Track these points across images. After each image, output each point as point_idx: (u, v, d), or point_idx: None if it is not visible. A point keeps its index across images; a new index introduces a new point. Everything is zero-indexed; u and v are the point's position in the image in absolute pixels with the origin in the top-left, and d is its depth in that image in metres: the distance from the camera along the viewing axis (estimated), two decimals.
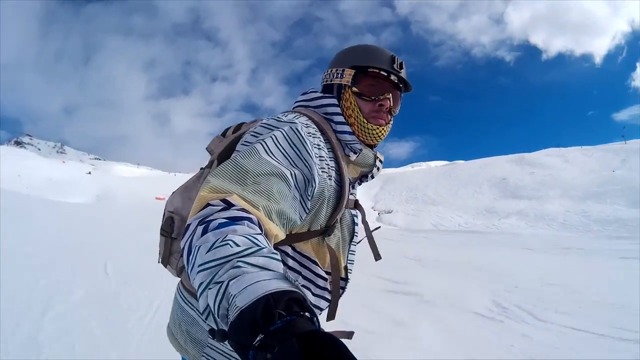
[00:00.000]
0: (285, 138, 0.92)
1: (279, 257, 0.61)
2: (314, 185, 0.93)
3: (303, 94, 1.22)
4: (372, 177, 1.25)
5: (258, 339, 0.45)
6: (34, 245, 6.98)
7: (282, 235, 0.82)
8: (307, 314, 0.49)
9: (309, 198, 0.93)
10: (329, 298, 1.09)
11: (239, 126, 1.21)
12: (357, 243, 1.25)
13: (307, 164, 0.91)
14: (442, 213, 32.44)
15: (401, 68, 1.18)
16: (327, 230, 1.07)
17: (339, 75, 1.17)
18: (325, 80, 1.22)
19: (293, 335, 0.43)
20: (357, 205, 1.21)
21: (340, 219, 1.10)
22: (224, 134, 1.22)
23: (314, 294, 1.05)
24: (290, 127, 0.94)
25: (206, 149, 1.22)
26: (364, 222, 1.24)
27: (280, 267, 0.58)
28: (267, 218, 0.76)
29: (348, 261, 1.17)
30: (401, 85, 1.20)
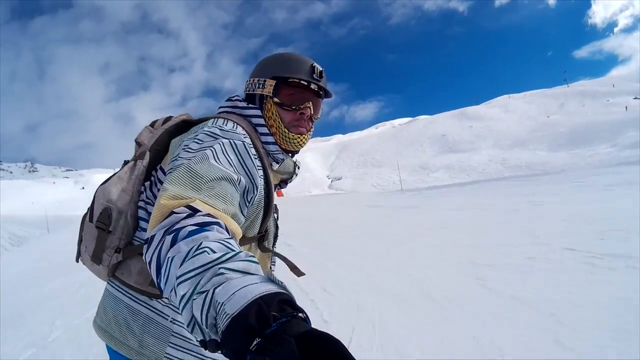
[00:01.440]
0: (232, 147, 0.95)
1: (256, 260, 0.61)
2: (254, 193, 0.97)
3: (228, 99, 1.23)
4: (290, 182, 1.29)
5: (255, 343, 0.44)
6: None
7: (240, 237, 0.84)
8: (300, 314, 0.49)
9: (247, 205, 0.96)
10: None
11: (167, 119, 1.21)
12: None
13: (249, 173, 0.95)
14: (384, 174, 33.56)
15: (321, 77, 1.20)
16: (263, 237, 1.12)
17: (261, 86, 1.18)
18: (247, 89, 1.23)
19: (291, 336, 0.43)
20: (276, 208, 1.24)
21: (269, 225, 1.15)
22: (152, 125, 1.22)
23: None
24: (237, 138, 0.97)
25: (135, 140, 1.20)
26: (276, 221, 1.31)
27: (260, 270, 0.59)
28: (230, 219, 0.77)
29: (271, 263, 1.23)
30: (321, 93, 1.22)
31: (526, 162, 26.16)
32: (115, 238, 1.02)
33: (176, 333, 1.02)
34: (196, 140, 0.96)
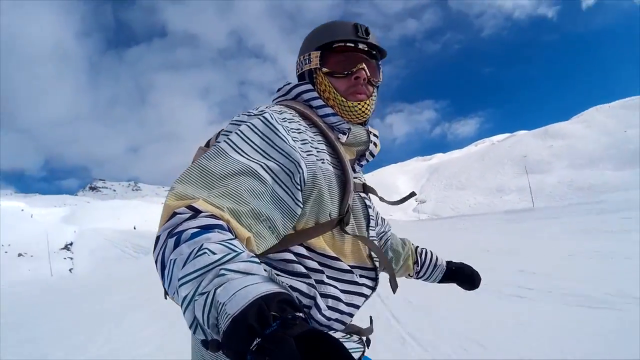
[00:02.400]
0: (253, 130, 0.85)
1: (258, 260, 0.59)
2: (300, 172, 0.84)
3: (278, 90, 1.15)
4: (372, 154, 1.13)
5: (255, 343, 0.44)
6: None
7: (268, 239, 0.79)
8: (300, 314, 0.49)
9: (298, 188, 0.84)
10: (364, 293, 0.98)
11: (218, 134, 1.07)
12: (381, 227, 1.28)
13: (283, 152, 0.84)
14: (464, 197, 37.93)
15: (367, 34, 1.08)
16: (342, 220, 0.95)
17: (307, 61, 1.10)
18: (297, 70, 1.16)
19: (291, 336, 0.42)
20: (366, 188, 1.10)
21: (351, 205, 1.00)
22: (207, 145, 1.11)
23: (343, 291, 0.93)
24: (258, 118, 0.87)
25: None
26: (383, 201, 1.20)
27: (262, 270, 0.58)
28: (236, 222, 0.72)
29: (370, 250, 1.06)
30: (374, 52, 1.10)
31: (589, 184, 28.88)
32: None
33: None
34: (224, 132, 0.92)
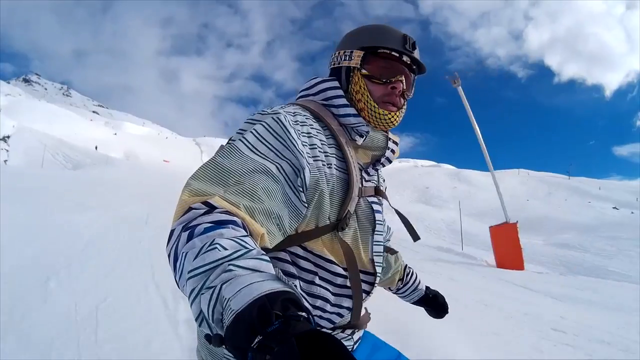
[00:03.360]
0: (268, 130, 0.87)
1: (268, 258, 0.60)
2: (304, 176, 0.86)
3: (304, 86, 1.14)
4: (389, 160, 1.12)
5: (256, 340, 0.44)
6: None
7: (277, 236, 0.81)
8: (303, 314, 0.49)
9: (302, 190, 0.86)
10: (358, 296, 0.99)
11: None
12: (385, 232, 1.25)
13: (294, 154, 0.85)
14: None
15: (414, 48, 1.08)
16: (338, 224, 0.96)
17: (347, 58, 1.08)
18: (332, 63, 1.14)
19: (292, 335, 0.42)
20: (378, 191, 1.09)
21: (356, 209, 1.01)
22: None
23: (333, 294, 0.95)
24: (272, 118, 0.88)
25: None
26: (393, 208, 1.18)
27: (271, 268, 0.58)
28: (251, 219, 0.73)
29: (374, 253, 1.05)
30: (414, 67, 1.11)
31: (463, 230, 29.47)
32: None
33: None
34: (238, 131, 0.92)
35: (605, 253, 24.32)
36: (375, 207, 1.07)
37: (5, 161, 40.88)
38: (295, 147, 0.86)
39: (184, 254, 0.61)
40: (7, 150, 45.14)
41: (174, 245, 0.66)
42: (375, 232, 1.05)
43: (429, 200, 45.18)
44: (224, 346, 0.49)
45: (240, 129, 0.92)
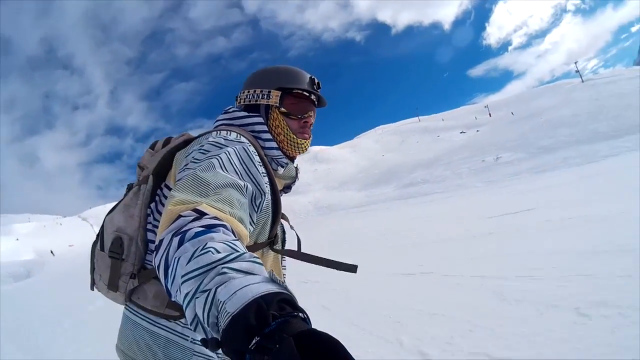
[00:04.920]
0: (237, 155, 0.96)
1: (260, 261, 0.61)
2: (262, 198, 0.99)
3: (224, 112, 1.25)
4: (292, 186, 1.33)
5: (254, 342, 0.44)
6: None
7: (248, 239, 0.85)
8: (300, 314, 0.49)
9: (256, 211, 0.97)
10: None
11: (167, 140, 1.23)
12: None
13: (254, 180, 0.97)
14: None
15: (319, 87, 1.28)
16: (272, 241, 1.14)
17: (266, 96, 1.22)
18: (247, 100, 1.25)
19: (289, 335, 0.42)
20: (283, 215, 1.23)
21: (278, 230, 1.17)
22: (152, 147, 1.24)
23: None
24: (242, 147, 1.00)
25: (138, 164, 1.22)
26: (292, 228, 1.33)
27: (264, 270, 0.58)
28: (237, 222, 0.76)
29: (282, 267, 1.29)
30: (316, 102, 1.31)
31: (329, 204, 30.43)
32: (129, 265, 1.04)
33: (198, 352, 1.04)
34: (202, 151, 0.98)
35: (439, 178, 27.55)
36: (285, 228, 1.29)
37: None
38: (259, 173, 1.00)
39: (176, 259, 0.61)
40: None
41: (165, 253, 0.65)
42: (283, 249, 1.25)
43: (296, 189, 45.49)
44: (220, 350, 0.48)
45: (204, 149, 0.99)
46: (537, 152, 22.89)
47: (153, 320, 1.06)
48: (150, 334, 1.05)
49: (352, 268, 1.13)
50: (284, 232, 1.28)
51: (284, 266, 1.32)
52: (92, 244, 1.18)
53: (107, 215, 1.14)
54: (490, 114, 48.61)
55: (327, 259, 1.12)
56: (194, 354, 1.03)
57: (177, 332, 1.04)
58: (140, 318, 1.08)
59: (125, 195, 1.15)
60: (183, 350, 1.03)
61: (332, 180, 41.14)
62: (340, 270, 1.13)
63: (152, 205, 1.11)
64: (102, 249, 1.10)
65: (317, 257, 1.12)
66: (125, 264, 1.05)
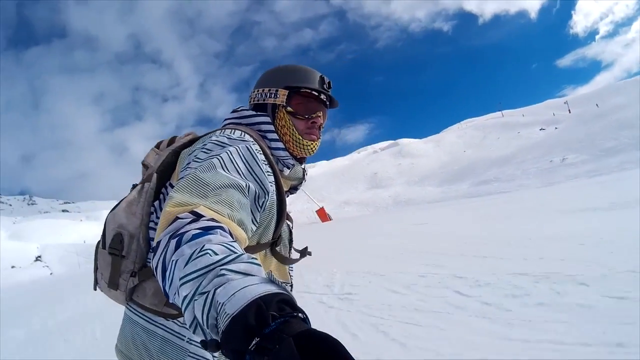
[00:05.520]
0: (240, 154, 0.96)
1: (258, 262, 0.60)
2: (265, 198, 0.97)
3: (233, 111, 1.25)
4: (299, 187, 1.34)
5: (254, 342, 0.44)
6: None
7: (247, 242, 0.84)
8: (299, 314, 0.49)
9: (259, 210, 0.96)
10: None
11: (172, 139, 1.22)
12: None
13: (257, 179, 0.96)
14: (309, 209, 39.95)
15: (329, 87, 1.26)
16: (276, 242, 1.15)
17: (273, 95, 1.21)
18: (256, 99, 1.25)
19: (289, 336, 0.42)
20: (288, 215, 1.23)
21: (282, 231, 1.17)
22: (157, 146, 1.24)
23: None
24: (245, 145, 0.99)
25: (142, 162, 1.22)
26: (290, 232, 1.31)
27: (262, 271, 0.59)
28: (235, 224, 0.77)
29: (289, 267, 1.27)
30: (328, 102, 1.28)
31: (407, 198, 33.15)
32: (129, 262, 1.02)
33: (192, 353, 1.02)
34: (204, 150, 0.98)
35: (510, 177, 28.26)
36: (291, 228, 1.28)
37: (50, 273, 43.81)
38: (262, 172, 0.98)
39: (174, 261, 0.61)
40: (48, 266, 51.14)
41: (162, 255, 0.65)
42: (290, 250, 1.27)
43: (379, 184, 48.30)
44: (220, 351, 0.48)
45: (206, 149, 0.99)
46: (600, 155, 22.78)
47: (150, 319, 1.05)
48: (146, 333, 1.05)
49: (306, 252, 1.31)
50: (290, 232, 1.27)
51: (291, 267, 1.29)
52: (96, 244, 1.14)
53: (110, 212, 1.11)
54: (569, 110, 47.62)
55: (302, 252, 1.31)
56: (189, 355, 1.01)
57: (174, 331, 1.03)
58: (138, 316, 1.07)
59: (129, 193, 1.13)
60: (178, 350, 1.01)
61: (414, 175, 43.57)
62: (302, 256, 1.30)
63: (156, 203, 1.11)
64: (103, 246, 1.07)
65: (296, 259, 1.26)
66: (125, 262, 1.03)
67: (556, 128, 39.24)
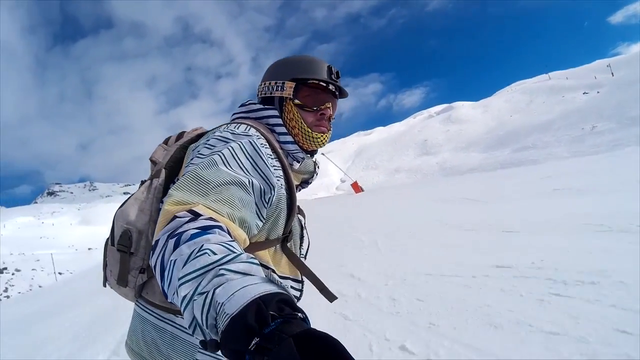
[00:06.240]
0: (242, 150, 0.93)
1: (257, 261, 0.60)
2: (271, 193, 0.95)
3: (241, 105, 1.23)
4: (310, 182, 1.29)
5: (253, 342, 0.44)
6: None
7: (247, 242, 0.82)
8: (299, 314, 0.49)
9: (265, 206, 0.94)
10: None
11: (180, 134, 1.20)
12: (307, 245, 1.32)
13: (262, 174, 0.94)
14: (372, 176, 42.76)
15: (338, 77, 1.22)
16: (286, 238, 1.11)
17: (279, 88, 1.18)
18: (264, 92, 1.22)
19: (289, 336, 0.42)
20: (300, 210, 1.20)
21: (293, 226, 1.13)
22: (166, 142, 1.20)
23: None
24: (248, 140, 0.96)
25: (150, 159, 1.18)
26: (304, 228, 1.27)
27: (261, 271, 0.58)
28: (234, 224, 0.76)
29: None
30: (337, 93, 1.24)
31: (452, 165, 34.70)
32: (138, 259, 1.00)
33: (202, 349, 0.97)
34: (207, 146, 0.97)
35: (545, 144, 28.79)
36: (302, 223, 1.24)
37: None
38: (267, 167, 0.95)
39: (172, 261, 0.61)
40: None
41: (160, 255, 0.65)
42: (301, 246, 1.24)
43: (428, 151, 48.45)
44: (220, 351, 0.48)
45: (209, 144, 0.97)
46: (626, 124, 21.70)
47: (160, 315, 1.04)
48: (156, 329, 1.04)
49: (331, 297, 1.12)
50: (302, 227, 1.23)
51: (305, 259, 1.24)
52: (105, 240, 1.11)
53: (118, 209, 1.07)
54: (612, 74, 46.97)
55: (317, 279, 1.10)
56: (199, 351, 0.99)
57: (183, 327, 1.01)
58: (148, 313, 1.07)
59: (138, 190, 1.10)
60: (188, 347, 1.00)
61: (461, 142, 43.54)
62: (321, 293, 1.12)
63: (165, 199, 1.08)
64: (112, 243, 1.04)
65: (310, 271, 1.11)
66: (134, 258, 1.01)
67: (598, 92, 39.11)
